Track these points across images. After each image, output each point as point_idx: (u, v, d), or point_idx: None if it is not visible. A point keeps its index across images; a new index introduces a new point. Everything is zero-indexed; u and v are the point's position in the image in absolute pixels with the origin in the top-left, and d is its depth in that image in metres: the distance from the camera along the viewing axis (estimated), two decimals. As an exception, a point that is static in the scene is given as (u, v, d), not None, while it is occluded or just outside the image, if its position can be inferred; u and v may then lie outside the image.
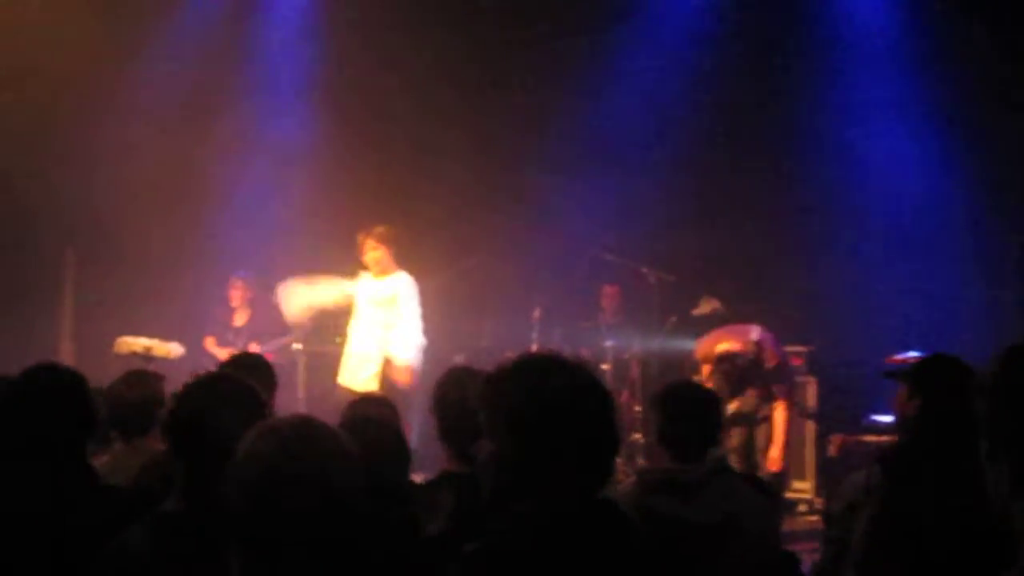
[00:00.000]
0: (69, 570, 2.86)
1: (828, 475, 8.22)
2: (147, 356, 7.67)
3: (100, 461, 4.17)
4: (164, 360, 7.68)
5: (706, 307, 7.79)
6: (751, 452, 7.02)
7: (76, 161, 9.54)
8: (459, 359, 9.27)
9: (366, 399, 4.73)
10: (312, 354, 9.19)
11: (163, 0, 10.10)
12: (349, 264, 8.20)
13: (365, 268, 8.03)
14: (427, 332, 9.56)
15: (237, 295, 9.42)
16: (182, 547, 2.57)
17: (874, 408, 7.87)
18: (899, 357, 7.03)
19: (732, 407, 6.89)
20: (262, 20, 10.52)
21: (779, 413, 7.05)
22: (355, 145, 10.15)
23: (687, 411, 3.68)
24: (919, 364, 4.11)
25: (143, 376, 4.33)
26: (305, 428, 2.10)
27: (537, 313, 9.23)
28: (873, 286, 8.98)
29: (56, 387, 3.21)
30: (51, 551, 2.94)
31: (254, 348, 8.75)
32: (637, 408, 9.02)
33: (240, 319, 9.45)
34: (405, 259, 9.27)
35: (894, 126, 9.26)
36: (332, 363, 8.29)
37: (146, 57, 9.74)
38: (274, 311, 8.80)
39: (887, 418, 7.33)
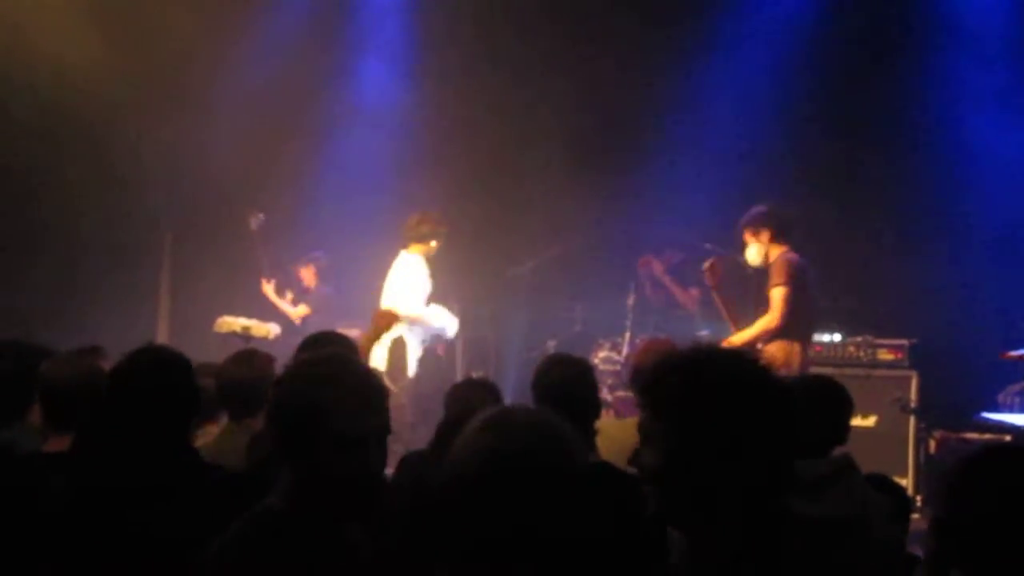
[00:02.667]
0: (170, 551, 2.79)
1: (928, 473, 8.02)
2: (246, 336, 7.74)
3: (206, 439, 4.20)
4: (263, 340, 7.75)
5: None
6: None
7: (174, 144, 9.67)
8: (552, 344, 9.26)
9: (469, 383, 4.71)
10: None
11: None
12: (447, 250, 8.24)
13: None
14: (518, 317, 9.61)
15: (310, 274, 9.48)
16: (287, 552, 2.35)
17: (979, 404, 7.65)
18: (1015, 353, 6.81)
19: None
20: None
21: None
22: (450, 131, 10.13)
23: (814, 406, 3.56)
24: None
25: (253, 355, 4.34)
26: (536, 417, 1.97)
27: (631, 299, 9.12)
28: (979, 279, 8.72)
29: (161, 369, 3.19)
30: (154, 533, 2.90)
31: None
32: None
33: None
34: (499, 245, 9.28)
35: (1006, 118, 8.97)
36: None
37: (240, 43, 9.80)
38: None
39: (996, 416, 7.13)
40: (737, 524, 1.99)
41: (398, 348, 7.78)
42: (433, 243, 8.05)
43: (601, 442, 4.31)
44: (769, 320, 6.99)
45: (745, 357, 2.11)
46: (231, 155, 9.69)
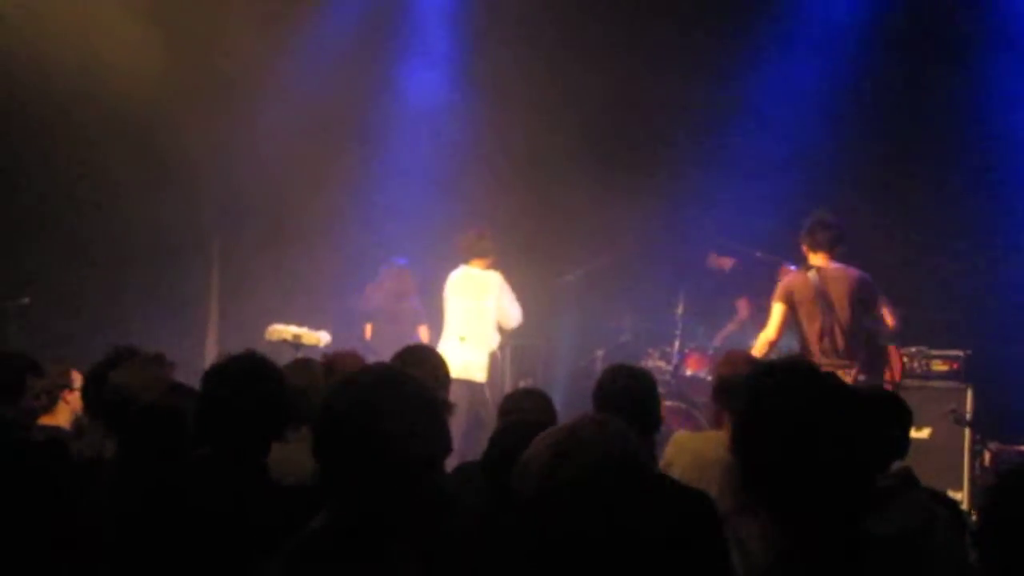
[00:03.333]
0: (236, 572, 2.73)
1: (984, 486, 7.90)
2: (296, 344, 7.75)
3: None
4: (313, 348, 7.75)
5: None
6: None
7: (224, 149, 9.72)
8: (600, 354, 9.23)
9: (523, 393, 4.68)
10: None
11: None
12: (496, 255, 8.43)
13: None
14: (566, 326, 9.60)
15: (395, 283, 9.43)
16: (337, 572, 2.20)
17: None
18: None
19: None
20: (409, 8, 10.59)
21: None
22: (498, 139, 10.13)
23: (876, 419, 3.51)
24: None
25: (309, 365, 4.34)
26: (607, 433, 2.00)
27: (680, 309, 9.07)
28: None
29: (251, 377, 3.14)
30: (222, 550, 2.84)
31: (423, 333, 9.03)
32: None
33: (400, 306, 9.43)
34: (547, 253, 9.27)
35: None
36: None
37: (290, 48, 9.86)
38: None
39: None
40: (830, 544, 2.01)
41: (494, 361, 8.30)
42: (491, 258, 8.41)
43: (676, 454, 4.27)
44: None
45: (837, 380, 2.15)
46: (281, 161, 9.74)
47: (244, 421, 3.04)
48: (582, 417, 2.07)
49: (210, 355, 9.87)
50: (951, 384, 8.17)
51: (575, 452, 1.93)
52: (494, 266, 8.42)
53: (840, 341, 7.08)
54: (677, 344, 8.94)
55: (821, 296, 7.04)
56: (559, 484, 1.91)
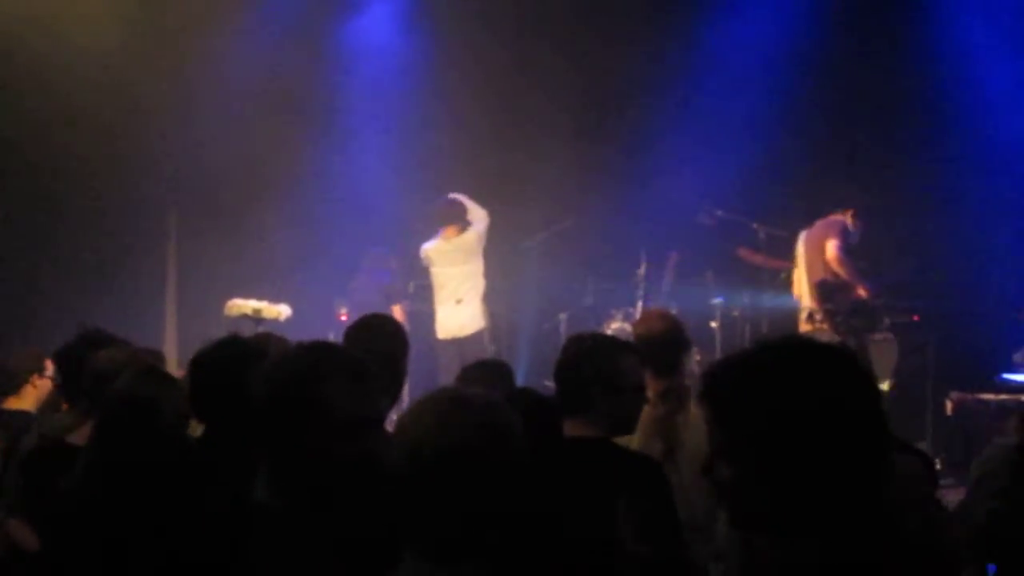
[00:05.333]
0: None
1: (945, 435, 7.97)
2: (257, 318, 7.67)
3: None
4: (274, 322, 7.68)
5: None
6: None
7: (180, 122, 9.60)
8: (563, 317, 9.22)
9: (481, 365, 4.64)
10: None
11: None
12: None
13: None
14: (528, 290, 9.63)
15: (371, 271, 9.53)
16: (276, 547, 2.22)
17: (996, 366, 7.61)
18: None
19: None
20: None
21: None
22: (458, 106, 10.05)
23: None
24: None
25: (269, 340, 4.27)
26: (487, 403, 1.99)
27: (642, 270, 9.06)
28: (995, 240, 8.65)
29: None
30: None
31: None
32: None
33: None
34: (509, 218, 9.26)
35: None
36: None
37: (246, 25, 9.72)
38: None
39: (1018, 376, 7.08)
40: (839, 530, 1.81)
41: (488, 310, 8.84)
42: (463, 224, 8.82)
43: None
44: None
45: (820, 350, 1.86)
46: (239, 135, 9.61)
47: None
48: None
49: (170, 331, 9.79)
50: (913, 337, 8.22)
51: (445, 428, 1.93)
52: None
53: None
54: (640, 305, 8.94)
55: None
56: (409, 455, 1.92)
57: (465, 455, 1.89)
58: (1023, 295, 7.75)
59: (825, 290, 7.95)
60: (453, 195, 8.87)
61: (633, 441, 4.22)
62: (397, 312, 9.33)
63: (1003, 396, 7.48)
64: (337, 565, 2.29)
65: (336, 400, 2.28)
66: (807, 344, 1.87)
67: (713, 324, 8.87)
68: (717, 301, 8.96)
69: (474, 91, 9.95)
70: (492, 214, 8.98)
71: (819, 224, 8.30)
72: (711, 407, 1.85)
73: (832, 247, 8.03)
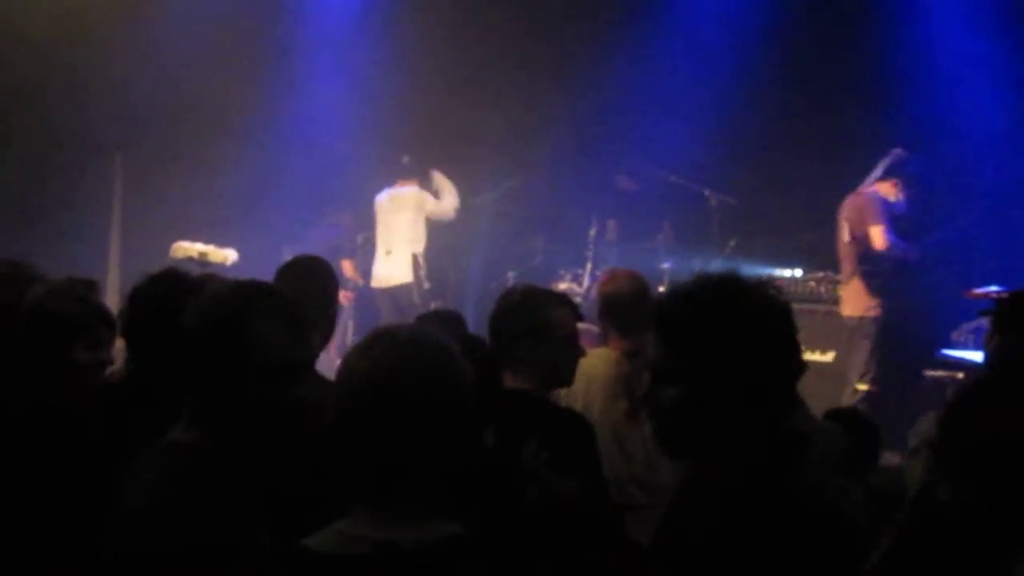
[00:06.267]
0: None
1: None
2: (203, 262, 7.56)
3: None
4: (220, 266, 7.59)
5: None
6: None
7: (124, 63, 9.40)
8: (511, 276, 9.20)
9: (433, 315, 4.65)
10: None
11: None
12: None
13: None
14: (477, 249, 9.59)
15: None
16: (200, 486, 2.18)
17: (938, 342, 7.68)
18: (979, 291, 6.82)
19: None
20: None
21: None
22: (411, 68, 9.96)
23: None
24: (1002, 301, 3.95)
25: (215, 281, 4.18)
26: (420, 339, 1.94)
27: (593, 232, 9.05)
28: (940, 217, 8.71)
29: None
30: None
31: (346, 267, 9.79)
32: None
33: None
34: (458, 175, 9.24)
35: (968, 48, 8.93)
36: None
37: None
38: None
39: (959, 353, 7.16)
40: (752, 448, 2.04)
41: (416, 263, 8.97)
42: (415, 178, 9.18)
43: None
44: None
45: (752, 283, 2.15)
46: (188, 75, 9.46)
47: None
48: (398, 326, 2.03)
49: (113, 271, 9.64)
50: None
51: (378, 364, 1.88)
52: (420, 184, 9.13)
53: None
54: (589, 266, 8.94)
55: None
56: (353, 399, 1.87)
57: (417, 396, 1.84)
58: (977, 275, 7.80)
59: (863, 250, 7.73)
60: (435, 169, 9.20)
61: (597, 399, 4.22)
62: (346, 266, 9.42)
63: (940, 372, 7.56)
64: (261, 511, 2.25)
65: (269, 341, 2.24)
66: (742, 279, 2.14)
67: (662, 289, 8.88)
68: (666, 266, 8.97)
69: (428, 48, 9.86)
70: (444, 170, 9.00)
71: (852, 204, 7.85)
72: (663, 330, 2.10)
73: (879, 236, 7.54)
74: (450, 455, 1.89)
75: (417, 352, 1.89)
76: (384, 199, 9.23)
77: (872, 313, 7.65)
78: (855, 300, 7.74)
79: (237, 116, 9.65)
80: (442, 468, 1.88)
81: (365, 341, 1.93)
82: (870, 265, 7.71)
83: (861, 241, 7.68)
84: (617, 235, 9.27)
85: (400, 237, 9.04)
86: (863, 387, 7.51)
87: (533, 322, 3.65)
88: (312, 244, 9.13)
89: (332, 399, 1.89)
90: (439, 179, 9.19)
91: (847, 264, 7.86)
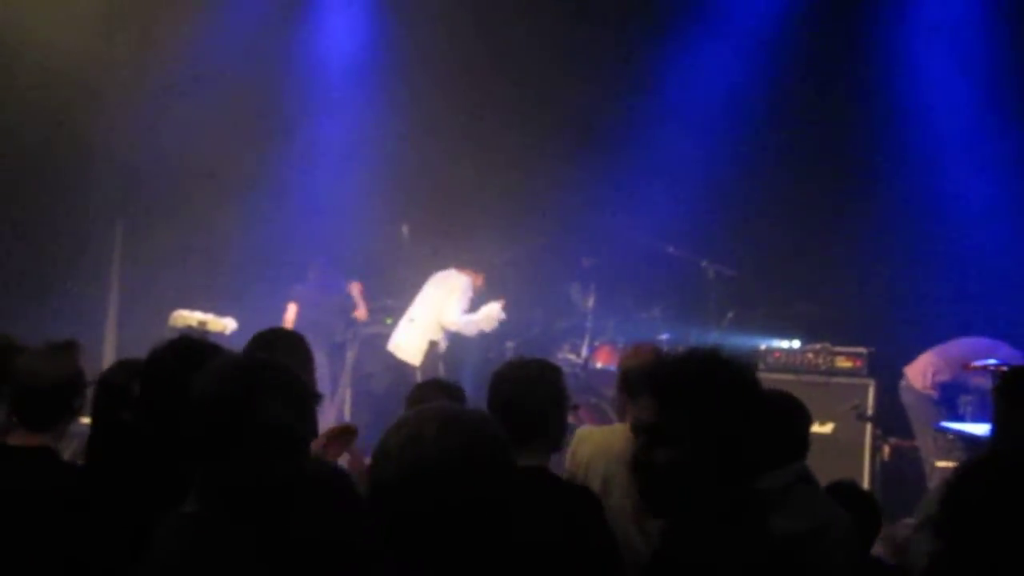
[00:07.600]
0: None
1: (883, 480, 8.04)
2: (203, 331, 7.60)
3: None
4: (219, 335, 7.62)
5: None
6: None
7: (127, 135, 9.49)
8: (510, 346, 9.20)
9: (432, 384, 4.62)
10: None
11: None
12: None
13: None
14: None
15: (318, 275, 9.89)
16: (205, 558, 2.23)
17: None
18: (978, 364, 6.85)
19: None
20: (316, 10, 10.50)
21: None
22: (407, 139, 10.08)
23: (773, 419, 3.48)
24: (1005, 375, 3.97)
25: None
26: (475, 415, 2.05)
27: (591, 302, 9.08)
28: (937, 290, 8.77)
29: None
30: None
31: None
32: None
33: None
34: (457, 248, 9.29)
35: (965, 128, 9.04)
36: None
37: (199, 30, 9.65)
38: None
39: (954, 425, 7.17)
40: (721, 509, 2.27)
41: (433, 350, 8.94)
42: (477, 275, 9.15)
43: (581, 448, 4.21)
44: None
45: (744, 360, 2.41)
46: (188, 145, 9.53)
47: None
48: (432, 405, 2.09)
49: (110, 341, 9.65)
50: (854, 380, 8.28)
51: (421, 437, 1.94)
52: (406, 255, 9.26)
53: None
54: (587, 338, 8.95)
55: None
56: (406, 467, 1.92)
57: (467, 466, 1.91)
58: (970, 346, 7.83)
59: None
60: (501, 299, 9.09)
61: (617, 476, 4.10)
62: (355, 288, 9.95)
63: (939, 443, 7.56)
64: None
65: (274, 418, 2.29)
66: (725, 354, 2.38)
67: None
68: (664, 337, 8.98)
69: (431, 113, 10.00)
70: (443, 244, 9.09)
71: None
72: (659, 394, 2.30)
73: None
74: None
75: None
76: (439, 273, 9.19)
77: None
78: None
79: (237, 185, 9.72)
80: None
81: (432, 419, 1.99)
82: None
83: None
84: (593, 303, 9.27)
85: (426, 312, 8.98)
86: None
87: (557, 393, 3.59)
88: (313, 300, 9.35)
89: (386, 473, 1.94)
90: (491, 308, 9.03)
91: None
